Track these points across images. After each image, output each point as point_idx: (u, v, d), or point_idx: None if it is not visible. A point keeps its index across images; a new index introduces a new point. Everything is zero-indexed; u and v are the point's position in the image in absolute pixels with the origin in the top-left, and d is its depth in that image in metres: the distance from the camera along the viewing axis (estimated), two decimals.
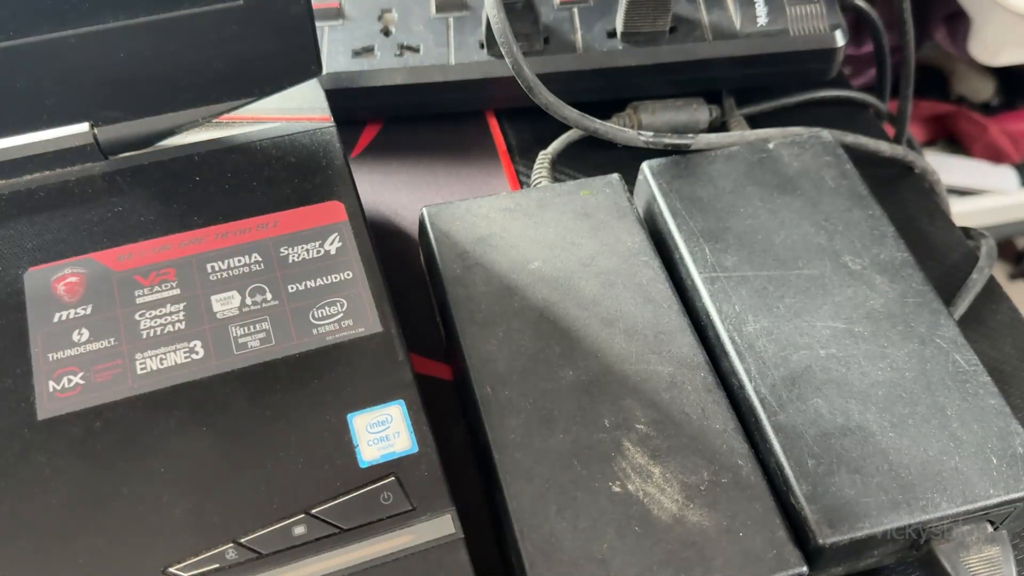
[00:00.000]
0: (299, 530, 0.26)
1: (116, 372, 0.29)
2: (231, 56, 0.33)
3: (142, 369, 0.29)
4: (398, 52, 0.44)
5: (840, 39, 0.44)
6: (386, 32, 0.45)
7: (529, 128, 0.36)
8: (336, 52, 0.44)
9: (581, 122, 0.38)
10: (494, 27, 0.33)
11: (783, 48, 0.44)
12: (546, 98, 0.35)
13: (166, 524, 0.26)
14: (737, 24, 0.44)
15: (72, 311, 0.30)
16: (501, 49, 0.34)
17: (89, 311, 0.30)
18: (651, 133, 0.39)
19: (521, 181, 0.44)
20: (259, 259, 0.32)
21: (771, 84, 0.47)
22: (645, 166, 0.37)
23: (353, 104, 0.44)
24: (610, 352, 0.31)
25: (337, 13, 0.45)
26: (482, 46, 0.44)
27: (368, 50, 0.44)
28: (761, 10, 0.44)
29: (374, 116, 0.47)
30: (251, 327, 0.30)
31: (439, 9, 0.45)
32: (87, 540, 0.25)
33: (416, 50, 0.44)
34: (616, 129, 0.38)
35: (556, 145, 0.42)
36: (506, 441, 0.28)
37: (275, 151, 0.34)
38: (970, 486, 0.28)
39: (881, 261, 0.34)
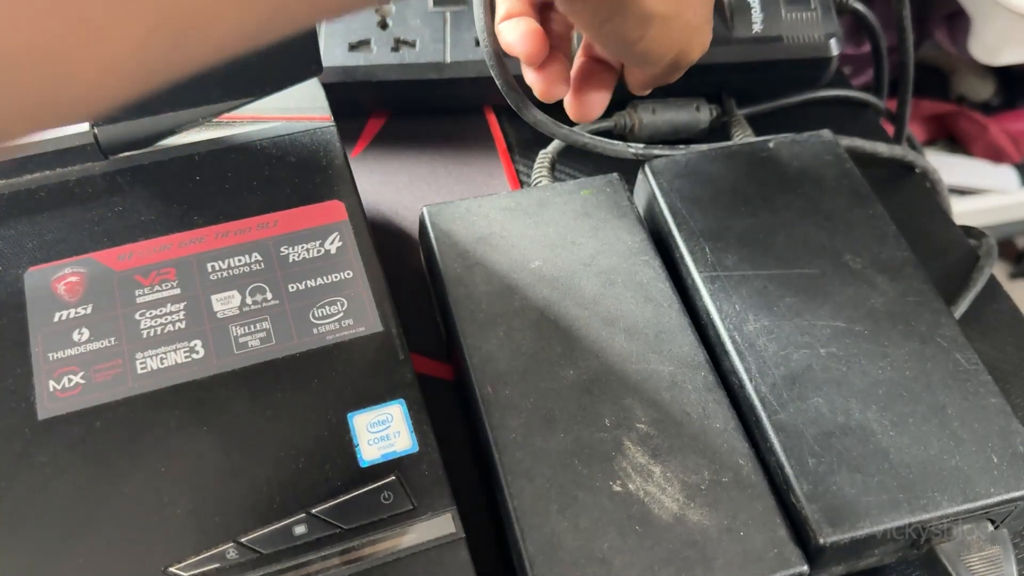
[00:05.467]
0: (300, 529, 0.26)
1: (116, 372, 0.29)
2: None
3: (142, 369, 0.29)
4: (394, 46, 0.44)
5: (835, 48, 0.44)
6: (383, 25, 0.44)
7: (529, 127, 0.36)
8: (333, 44, 0.44)
9: (570, 137, 0.38)
10: (483, 47, 0.33)
11: (777, 55, 0.44)
12: (534, 116, 0.35)
13: (166, 523, 0.26)
14: (732, 29, 0.44)
15: (72, 311, 0.30)
16: (490, 71, 0.33)
17: (89, 311, 0.30)
18: (641, 145, 0.39)
19: (521, 180, 0.44)
20: (259, 258, 0.32)
21: (765, 88, 0.47)
22: (646, 165, 0.37)
23: (349, 98, 0.44)
24: (611, 351, 0.31)
25: None
26: (478, 43, 0.44)
27: (364, 43, 0.44)
28: (757, 16, 0.44)
29: (370, 109, 0.47)
30: (251, 327, 0.30)
31: (437, 3, 0.45)
32: (88, 539, 0.25)
33: (412, 45, 0.44)
34: (605, 143, 0.38)
35: (556, 144, 0.42)
36: (507, 441, 0.28)
37: (275, 150, 0.34)
38: (971, 485, 0.28)
39: (882, 260, 0.34)
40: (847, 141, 0.42)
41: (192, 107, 0.34)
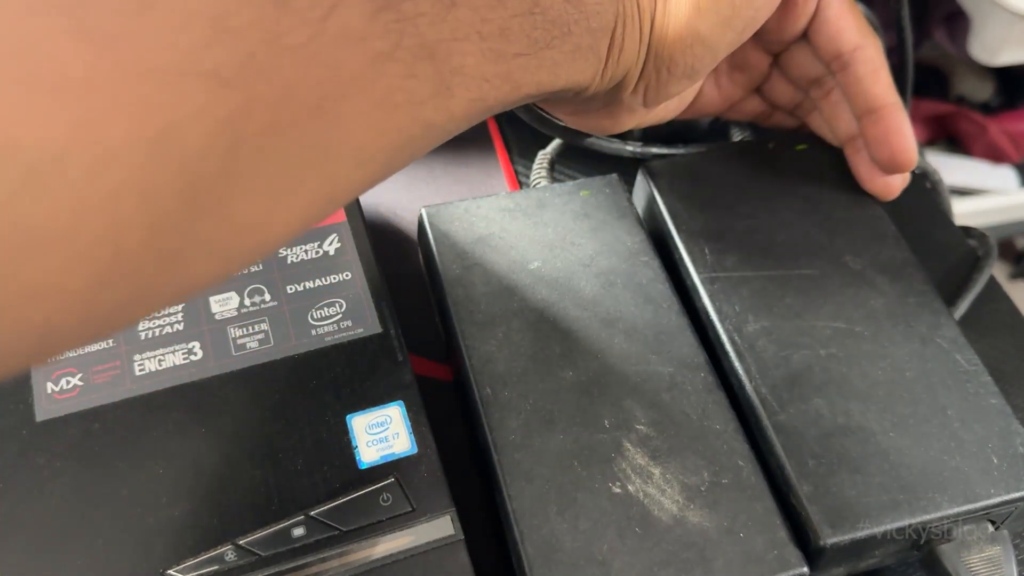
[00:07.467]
0: (298, 531, 0.26)
1: (114, 373, 0.29)
2: None
3: (140, 370, 0.29)
4: None
5: None
6: None
7: (528, 128, 0.36)
8: None
9: (566, 135, 0.38)
10: None
11: None
12: (533, 114, 0.35)
13: (165, 525, 0.26)
14: None
15: None
16: None
17: None
18: (640, 143, 0.39)
19: (520, 181, 0.44)
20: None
21: None
22: (645, 166, 0.37)
23: None
24: (610, 352, 0.31)
25: None
26: None
27: None
28: None
29: None
30: (249, 328, 0.30)
31: None
32: (86, 542, 0.25)
33: None
34: (604, 142, 0.38)
35: (555, 145, 0.42)
36: (506, 442, 0.28)
37: None
38: (971, 486, 0.28)
39: (881, 261, 0.34)
40: None
41: None
